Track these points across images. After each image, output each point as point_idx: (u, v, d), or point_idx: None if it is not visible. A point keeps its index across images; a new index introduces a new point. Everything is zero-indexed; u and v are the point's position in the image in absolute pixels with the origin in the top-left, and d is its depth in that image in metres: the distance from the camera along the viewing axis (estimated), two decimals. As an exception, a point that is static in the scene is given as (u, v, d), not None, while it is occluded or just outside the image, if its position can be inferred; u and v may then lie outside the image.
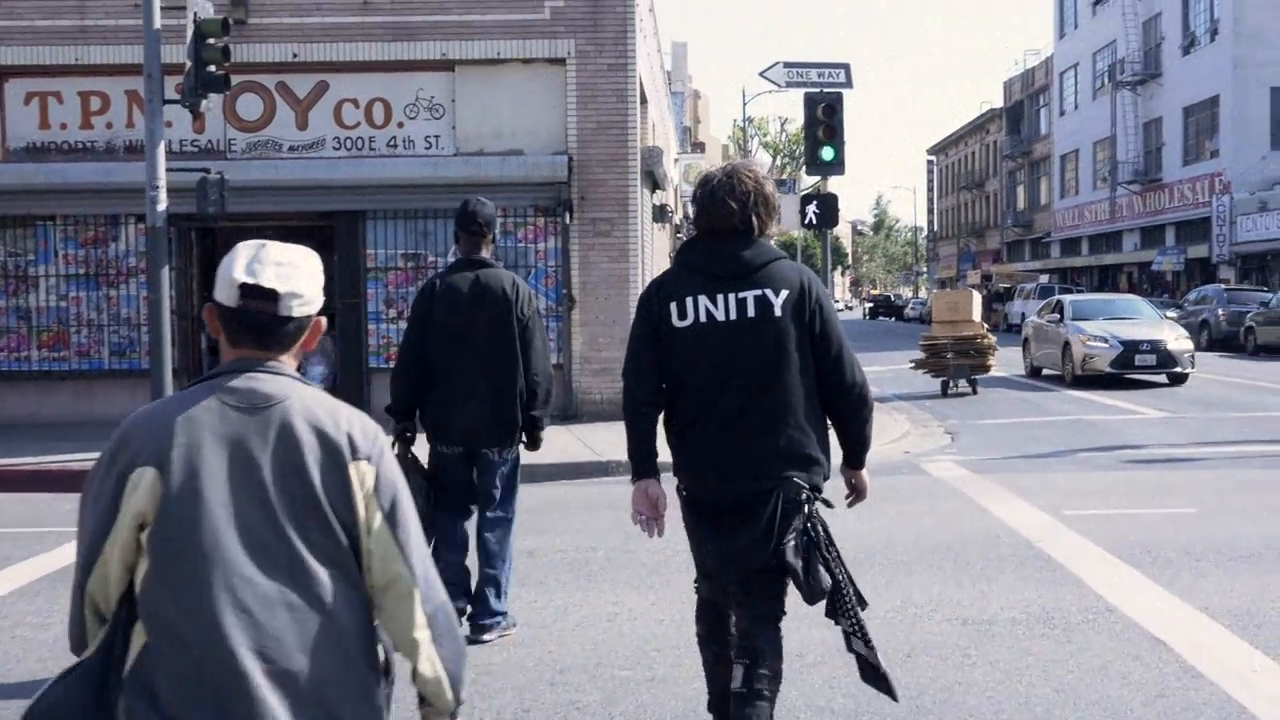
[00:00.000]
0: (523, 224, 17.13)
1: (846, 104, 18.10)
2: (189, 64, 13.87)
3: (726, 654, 4.57)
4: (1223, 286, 39.75)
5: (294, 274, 2.58)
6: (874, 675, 4.50)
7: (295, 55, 16.82)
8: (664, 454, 4.47)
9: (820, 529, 4.37)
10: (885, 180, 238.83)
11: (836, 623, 4.47)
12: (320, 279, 2.67)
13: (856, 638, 4.45)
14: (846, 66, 18.98)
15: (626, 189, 16.99)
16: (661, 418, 4.49)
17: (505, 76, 17.01)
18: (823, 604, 4.43)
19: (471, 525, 6.74)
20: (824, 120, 17.89)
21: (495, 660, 6.12)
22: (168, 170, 14.47)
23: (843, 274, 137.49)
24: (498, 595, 6.54)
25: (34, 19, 16.86)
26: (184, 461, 2.46)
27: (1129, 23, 55.36)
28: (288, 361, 2.61)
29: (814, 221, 18.39)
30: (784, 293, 4.33)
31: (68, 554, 8.24)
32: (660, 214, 22.85)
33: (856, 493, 4.66)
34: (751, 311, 4.31)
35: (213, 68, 13.96)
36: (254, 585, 2.43)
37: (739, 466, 4.34)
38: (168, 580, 2.43)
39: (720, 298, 4.32)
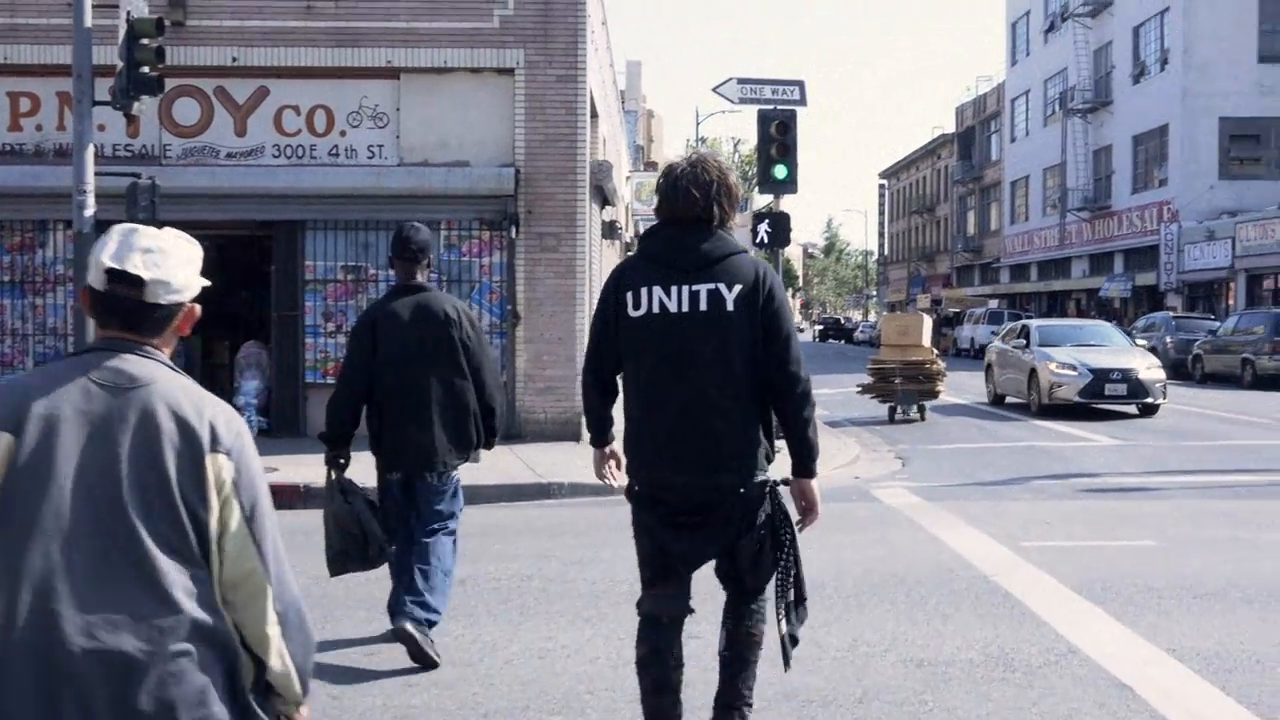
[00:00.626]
0: (467, 238, 16.66)
1: (800, 124, 17.82)
2: (121, 65, 13.36)
3: (668, 679, 4.53)
4: (1171, 314, 39.87)
5: (162, 261, 2.58)
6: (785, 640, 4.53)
7: (235, 59, 16.28)
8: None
9: (780, 524, 4.45)
10: (837, 203, 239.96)
11: (778, 613, 4.50)
12: (194, 266, 2.65)
13: (783, 618, 4.49)
14: (801, 84, 18.69)
15: (575, 203, 16.57)
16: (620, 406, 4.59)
17: (452, 86, 16.55)
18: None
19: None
20: (777, 138, 17.60)
21: (414, 703, 5.65)
22: (98, 175, 13.95)
23: (793, 296, 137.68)
24: (429, 589, 6.35)
25: (-39, 16, 16.24)
26: (40, 432, 2.46)
27: (1080, 51, 55.70)
28: (161, 347, 2.62)
29: (765, 240, 18.09)
30: (737, 287, 4.34)
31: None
32: (610, 230, 22.44)
33: (808, 510, 4.52)
34: (704, 305, 4.33)
35: (146, 69, 13.46)
36: (90, 564, 2.41)
37: (692, 459, 4.35)
38: (3, 548, 2.42)
39: (674, 289, 4.35)
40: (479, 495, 11.14)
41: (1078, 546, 9.47)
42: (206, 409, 2.56)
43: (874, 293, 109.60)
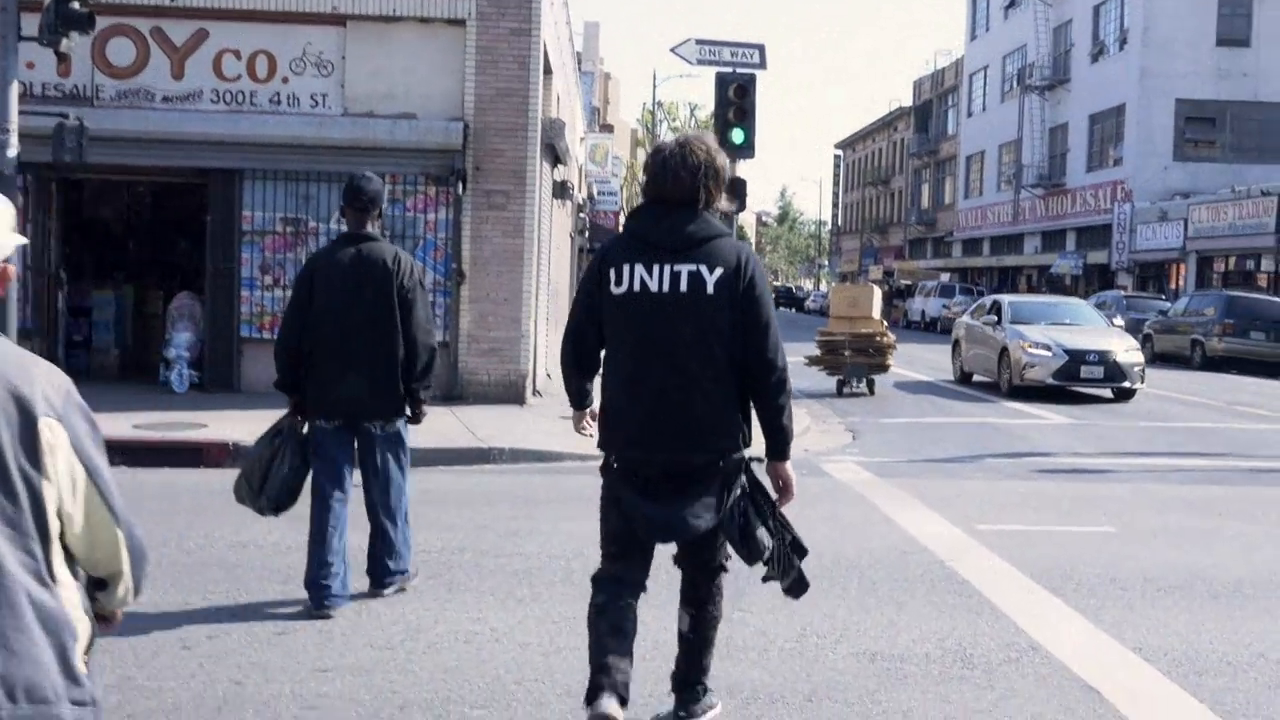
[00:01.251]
0: (412, 192, 16.06)
1: (757, 89, 17.30)
2: (49, -1, 12.67)
3: (623, 625, 4.55)
4: (1122, 293, 39.83)
5: None
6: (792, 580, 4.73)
7: (173, -1, 15.57)
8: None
9: (758, 493, 4.49)
10: (792, 172, 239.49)
11: (778, 580, 4.67)
12: (3, 223, 2.52)
13: (796, 588, 4.72)
14: (761, 47, 18.15)
15: (525, 161, 16.01)
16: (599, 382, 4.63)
17: (400, 35, 15.91)
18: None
19: (356, 504, 6.73)
20: (735, 101, 17.06)
21: (325, 691, 5.17)
22: (23, 114, 13.25)
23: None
24: (391, 556, 6.62)
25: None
26: None
27: (1040, 28, 55.47)
28: None
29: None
30: (719, 270, 4.38)
31: None
32: (561, 190, 21.86)
33: (784, 490, 4.61)
34: (684, 286, 4.36)
35: (76, 4, 12.74)
36: None
37: (668, 437, 4.40)
38: None
39: (656, 268, 4.38)
40: (415, 459, 10.56)
41: (1034, 531, 9.12)
42: (34, 373, 2.44)
43: (826, 262, 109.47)
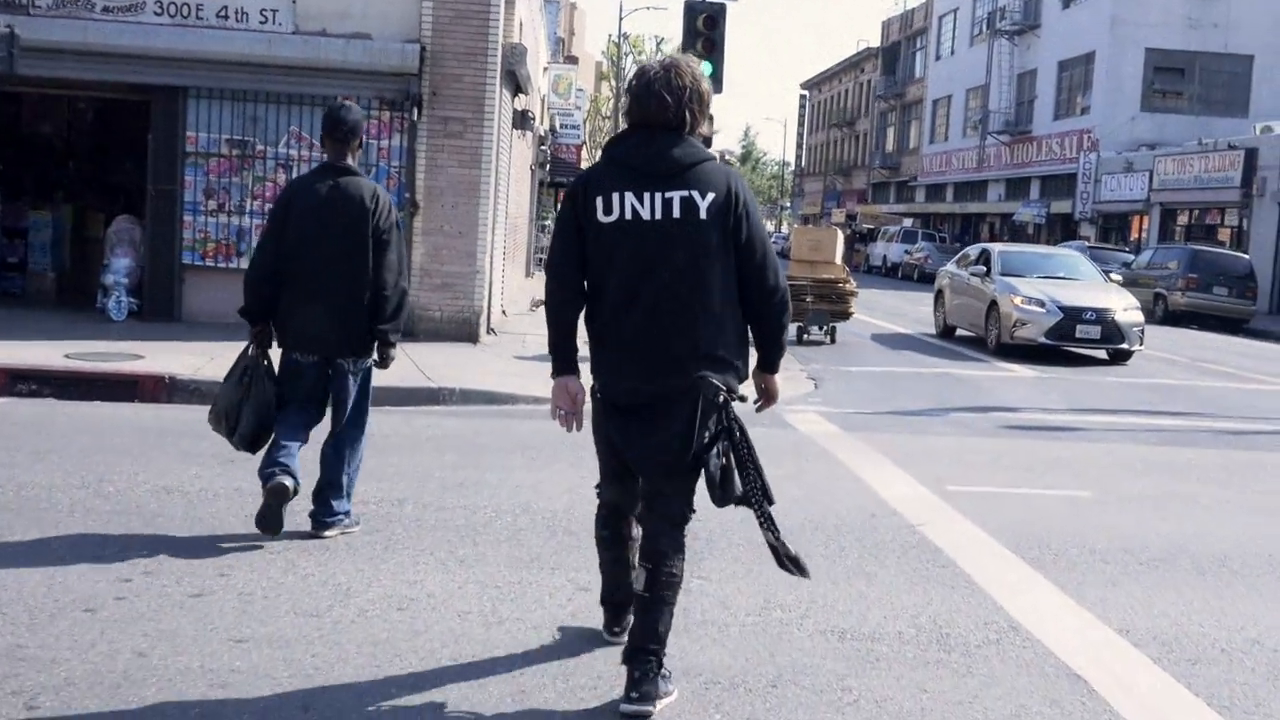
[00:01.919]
0: (365, 118, 15.33)
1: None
2: (-23, -106, 11.88)
3: (625, 555, 4.78)
4: (1085, 243, 39.51)
5: None
6: (785, 560, 4.61)
7: (114, -98, 14.71)
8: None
9: (738, 430, 4.40)
10: (756, 112, 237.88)
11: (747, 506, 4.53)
12: None
13: (766, 529, 4.55)
14: (733, -24, 17.50)
15: (484, 87, 15.33)
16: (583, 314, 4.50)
17: (356, -51, 15.15)
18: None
19: (319, 432, 6.71)
20: (704, 32, 16.44)
21: (238, 666, 4.64)
22: (-50, 20, 12.50)
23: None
24: (338, 495, 6.52)
25: None
26: None
27: (1012, -30, 54.77)
28: None
29: (686, 141, 16.99)
30: (710, 195, 4.34)
31: None
32: (522, 120, 21.12)
33: (767, 396, 4.67)
34: (676, 212, 4.32)
35: (7, -98, 11.99)
36: None
37: (658, 364, 4.36)
38: None
39: (646, 195, 4.32)
40: (358, 400, 10.09)
41: (1007, 494, 8.69)
42: None
43: (788, 204, 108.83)
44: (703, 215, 4.31)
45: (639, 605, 4.46)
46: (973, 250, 23.14)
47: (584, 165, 52.44)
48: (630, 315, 4.36)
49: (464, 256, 15.38)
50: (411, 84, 15.09)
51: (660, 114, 4.36)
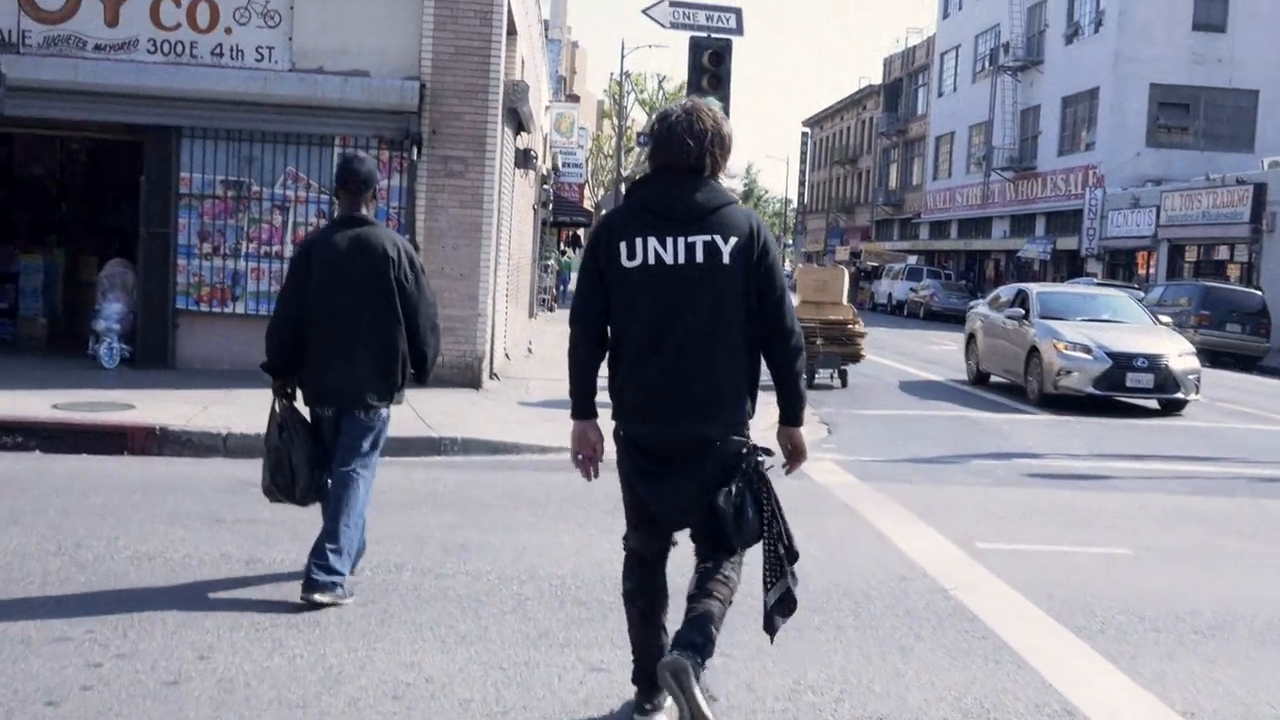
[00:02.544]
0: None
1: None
2: (-37, -70, 11.53)
3: (654, 611, 4.64)
4: (1094, 279, 39.11)
5: None
6: (774, 622, 4.58)
7: (107, -61, 14.37)
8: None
9: (761, 483, 4.40)
10: (757, 149, 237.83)
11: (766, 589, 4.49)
12: None
13: (775, 580, 4.52)
14: (738, 11, 17.13)
15: (485, 125, 14.94)
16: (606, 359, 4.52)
17: (354, -14, 14.79)
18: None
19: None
20: (710, 68, 16.07)
21: (215, 771, 4.18)
22: (-63, 59, 12.12)
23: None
24: (336, 549, 6.14)
25: None
26: None
27: (1014, 7, 54.65)
28: None
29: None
30: (733, 239, 4.35)
31: None
32: (524, 159, 20.73)
33: (794, 455, 4.58)
34: (700, 257, 4.33)
35: (-5, -61, 11.64)
36: None
37: (681, 407, 4.35)
38: None
39: (669, 240, 4.33)
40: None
41: (1042, 552, 8.20)
42: None
43: (791, 242, 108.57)
44: (725, 260, 4.32)
45: (690, 599, 4.40)
46: (1005, 291, 21.47)
47: (586, 204, 52.24)
48: (655, 359, 4.36)
49: (466, 299, 14.95)
50: (411, 122, 14.70)
51: (682, 157, 4.37)
